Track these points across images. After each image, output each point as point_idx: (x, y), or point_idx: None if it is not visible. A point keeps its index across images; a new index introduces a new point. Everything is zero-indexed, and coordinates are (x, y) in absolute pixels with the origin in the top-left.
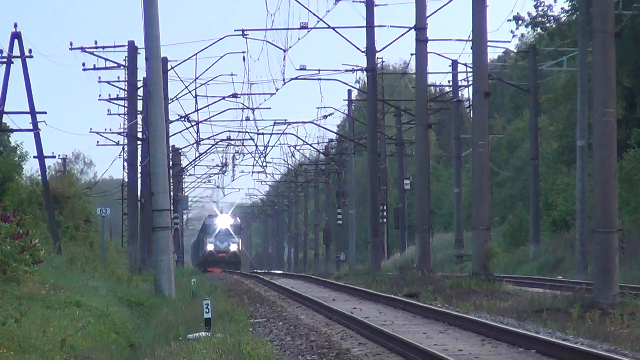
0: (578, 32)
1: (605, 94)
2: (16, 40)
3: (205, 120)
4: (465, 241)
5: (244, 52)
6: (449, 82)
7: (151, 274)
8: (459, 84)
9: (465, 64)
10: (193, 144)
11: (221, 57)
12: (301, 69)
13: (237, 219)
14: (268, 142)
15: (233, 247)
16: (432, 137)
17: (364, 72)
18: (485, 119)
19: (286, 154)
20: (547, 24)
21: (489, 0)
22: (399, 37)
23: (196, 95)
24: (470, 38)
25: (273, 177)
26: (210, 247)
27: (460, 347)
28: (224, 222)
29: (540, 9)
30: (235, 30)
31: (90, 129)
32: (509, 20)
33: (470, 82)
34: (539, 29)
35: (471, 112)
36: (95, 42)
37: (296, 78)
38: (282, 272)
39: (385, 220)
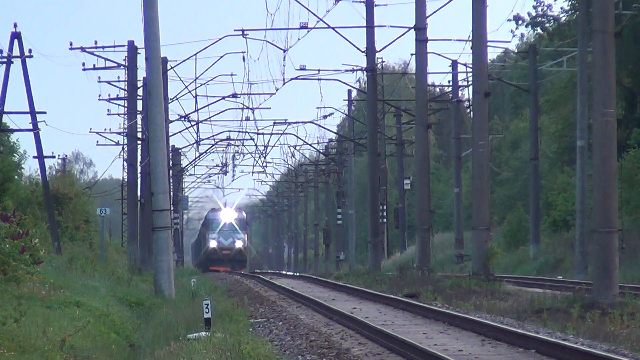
0: (578, 32)
1: (605, 94)
2: (16, 40)
3: (205, 120)
4: (465, 241)
5: (243, 52)
6: (449, 82)
7: (151, 274)
8: (459, 84)
9: (465, 64)
10: (193, 144)
11: (221, 57)
12: (301, 69)
13: (242, 212)
14: (268, 142)
15: (238, 244)
16: (432, 137)
17: (364, 72)
18: (485, 119)
19: (286, 154)
20: (547, 24)
21: (489, 0)
22: (399, 37)
23: (196, 95)
24: (470, 38)
25: (273, 177)
26: (213, 243)
27: (460, 347)
28: (228, 216)
29: (539, 9)
30: (235, 30)
31: (90, 129)
32: (509, 20)
33: (470, 82)
34: (538, 29)
35: (471, 112)
36: (95, 42)
37: (296, 78)
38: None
39: (385, 220)
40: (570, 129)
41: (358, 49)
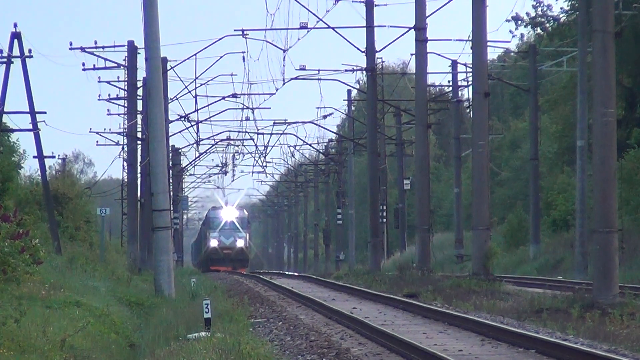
0: (578, 32)
1: (605, 94)
2: (16, 40)
3: (205, 120)
4: (465, 241)
5: (243, 52)
6: (449, 82)
7: (151, 274)
8: (459, 84)
9: (465, 64)
10: (193, 144)
11: (221, 57)
12: (301, 69)
13: (243, 211)
14: (268, 142)
15: (240, 243)
16: (432, 137)
17: (364, 72)
18: (485, 119)
19: (286, 154)
20: (547, 24)
21: (489, 0)
22: (399, 37)
23: (196, 95)
24: (470, 38)
25: (273, 177)
26: (213, 242)
27: (460, 347)
28: (229, 214)
29: (539, 9)
30: (235, 30)
31: (90, 129)
32: (508, 21)
33: (470, 82)
34: (538, 29)
35: (471, 112)
36: (95, 42)
37: (296, 78)
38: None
39: (385, 220)
40: (570, 129)
41: (358, 49)
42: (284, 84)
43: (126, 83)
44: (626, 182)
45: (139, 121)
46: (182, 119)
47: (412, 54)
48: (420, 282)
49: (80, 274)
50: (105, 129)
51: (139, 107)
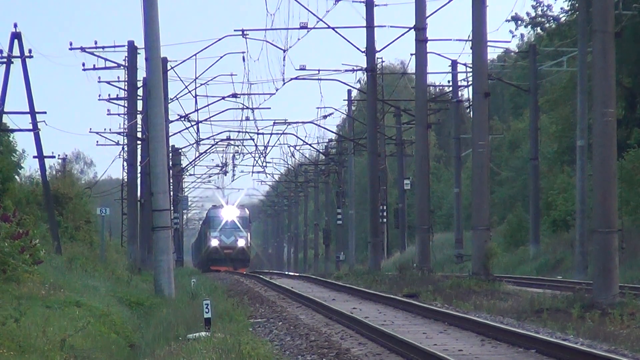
0: (578, 32)
1: (605, 94)
2: (16, 40)
3: (205, 120)
4: (465, 241)
5: (243, 52)
6: (448, 82)
7: (151, 274)
8: (459, 84)
9: (465, 64)
10: (193, 144)
11: (221, 57)
12: (301, 69)
13: (245, 210)
14: (268, 142)
15: (241, 243)
16: (432, 137)
17: (364, 72)
18: (485, 119)
19: (286, 154)
20: (547, 24)
21: (489, 1)
22: (399, 37)
23: (196, 95)
24: (470, 38)
25: (273, 177)
26: (214, 242)
27: (460, 347)
28: (230, 213)
29: (539, 9)
30: (235, 30)
31: (90, 129)
32: (508, 21)
33: (470, 82)
34: (538, 29)
35: (471, 112)
36: (95, 42)
37: (296, 78)
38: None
39: (385, 220)
40: (570, 129)
41: (358, 49)
42: (284, 84)
43: (126, 83)
44: (626, 182)
45: (139, 121)
46: (182, 119)
47: (412, 54)
48: (420, 282)
49: (80, 274)
50: (105, 129)
51: (139, 107)
